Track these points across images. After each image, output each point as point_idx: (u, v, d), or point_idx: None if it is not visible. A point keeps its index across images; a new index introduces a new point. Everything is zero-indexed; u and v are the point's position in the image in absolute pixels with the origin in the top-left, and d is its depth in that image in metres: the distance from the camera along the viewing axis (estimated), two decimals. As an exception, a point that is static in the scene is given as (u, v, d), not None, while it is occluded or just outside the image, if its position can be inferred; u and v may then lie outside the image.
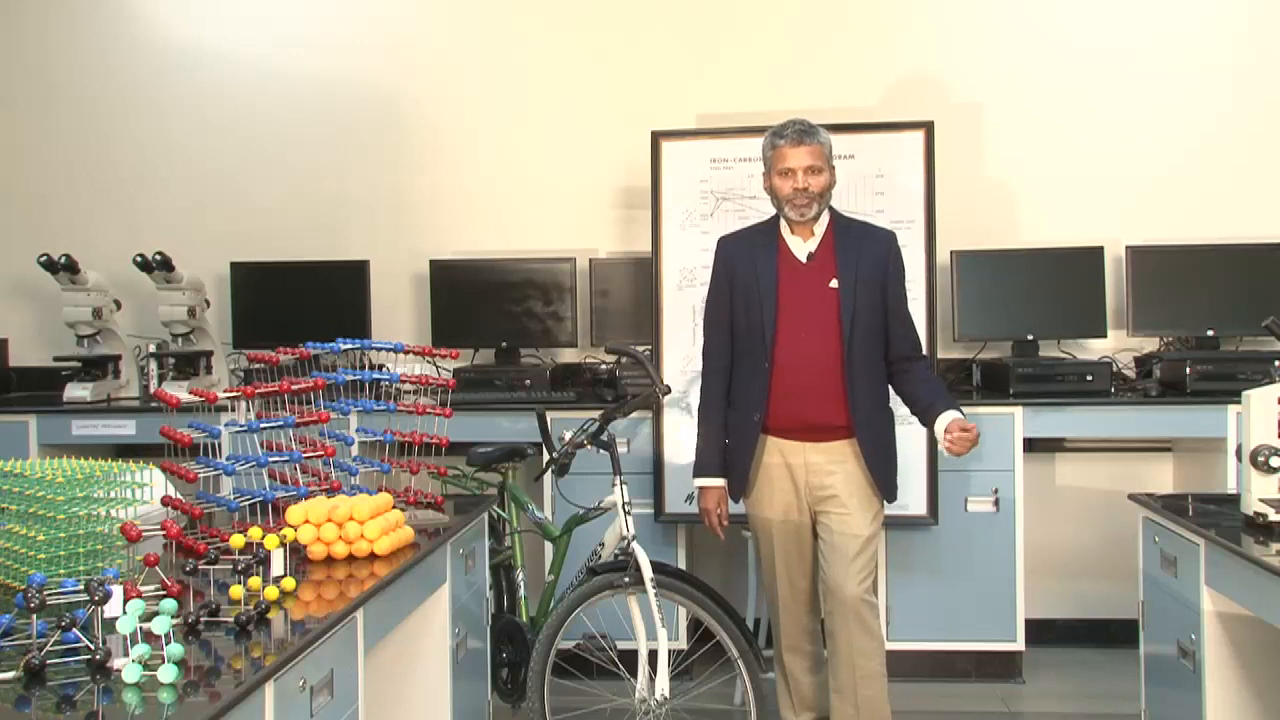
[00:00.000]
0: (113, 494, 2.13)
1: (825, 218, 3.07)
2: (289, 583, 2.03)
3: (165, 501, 2.44)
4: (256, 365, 3.16)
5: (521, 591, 3.46)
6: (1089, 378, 3.97)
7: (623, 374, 4.07)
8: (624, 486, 3.11)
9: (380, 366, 4.19)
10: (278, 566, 2.07)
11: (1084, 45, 4.42)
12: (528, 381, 4.14)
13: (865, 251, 3.04)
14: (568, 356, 4.52)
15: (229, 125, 4.70)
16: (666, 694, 2.93)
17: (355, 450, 2.88)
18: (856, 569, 2.91)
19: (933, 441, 3.48)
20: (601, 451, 3.17)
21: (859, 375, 2.98)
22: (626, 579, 3.02)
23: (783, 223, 3.08)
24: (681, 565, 3.91)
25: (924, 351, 3.18)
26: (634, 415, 3.84)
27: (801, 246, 3.06)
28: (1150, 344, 4.29)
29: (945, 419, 2.94)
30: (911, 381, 3.06)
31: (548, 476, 3.72)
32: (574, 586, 3.16)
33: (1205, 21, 4.39)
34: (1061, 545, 4.41)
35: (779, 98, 4.39)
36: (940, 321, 4.01)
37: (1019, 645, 3.94)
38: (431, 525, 2.65)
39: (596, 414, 3.26)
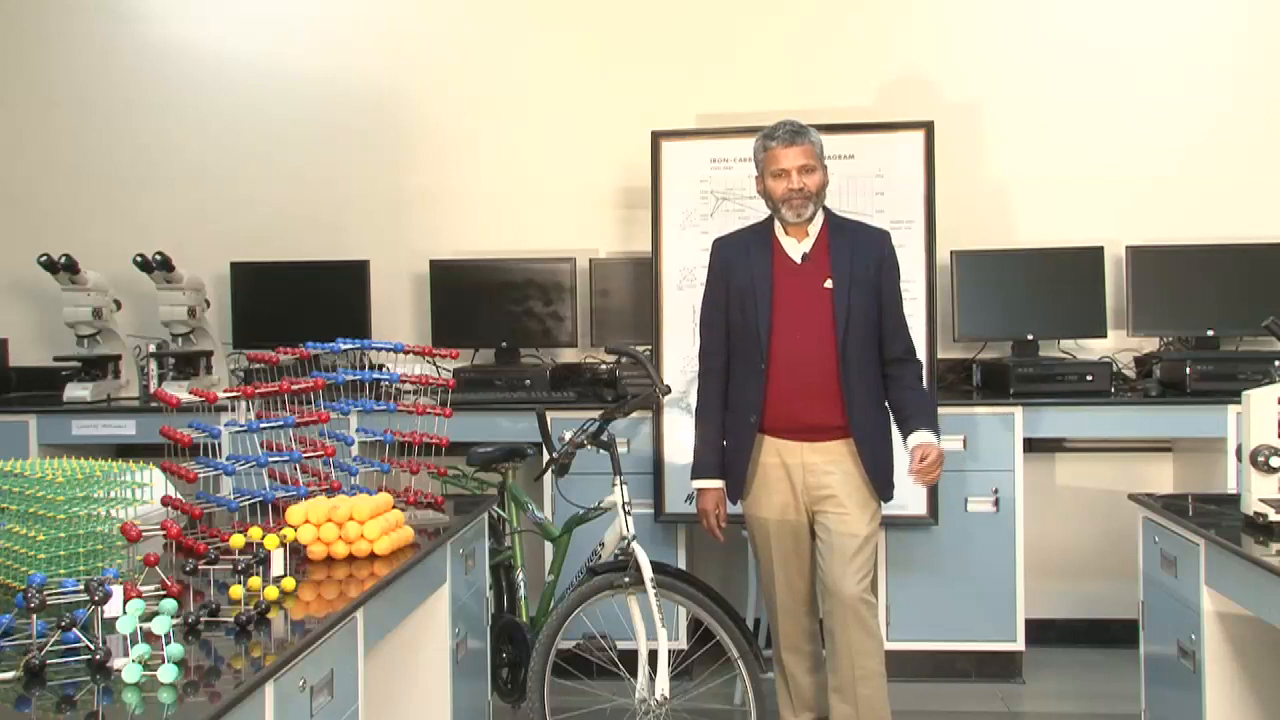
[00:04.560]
0: (113, 494, 2.13)
1: (819, 218, 3.06)
2: (289, 583, 2.03)
3: (165, 501, 2.44)
4: (256, 365, 3.16)
5: (521, 591, 3.46)
6: (1089, 378, 3.97)
7: (623, 374, 4.07)
8: (624, 486, 3.11)
9: (380, 366, 4.19)
10: (278, 566, 2.07)
11: (1083, 45, 4.42)
12: (528, 381, 4.14)
13: (859, 251, 3.04)
14: (568, 356, 4.52)
15: (229, 125, 4.71)
16: (666, 694, 2.93)
17: (355, 450, 2.88)
18: (855, 568, 2.91)
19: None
20: (601, 451, 3.17)
21: (855, 375, 2.98)
22: (626, 579, 3.02)
23: (777, 224, 3.08)
24: (681, 565, 3.91)
25: (918, 353, 3.16)
26: (634, 415, 3.84)
27: (796, 247, 3.05)
28: (1150, 344, 4.29)
29: (913, 440, 2.98)
30: (898, 389, 3.06)
31: (548, 476, 3.72)
32: (574, 586, 3.16)
33: (1205, 21, 4.39)
34: (1061, 545, 4.41)
35: (779, 98, 4.39)
36: (940, 321, 4.00)
37: (1019, 645, 3.94)
38: (431, 525, 2.65)
39: (596, 414, 3.26)
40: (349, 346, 2.92)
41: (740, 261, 3.08)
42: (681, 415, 3.89)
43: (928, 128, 3.88)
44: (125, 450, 4.36)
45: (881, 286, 3.04)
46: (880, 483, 3.00)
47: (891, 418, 3.08)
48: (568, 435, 3.23)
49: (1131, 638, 3.06)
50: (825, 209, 3.09)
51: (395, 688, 2.66)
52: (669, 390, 3.50)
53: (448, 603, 2.66)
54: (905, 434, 3.01)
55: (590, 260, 4.40)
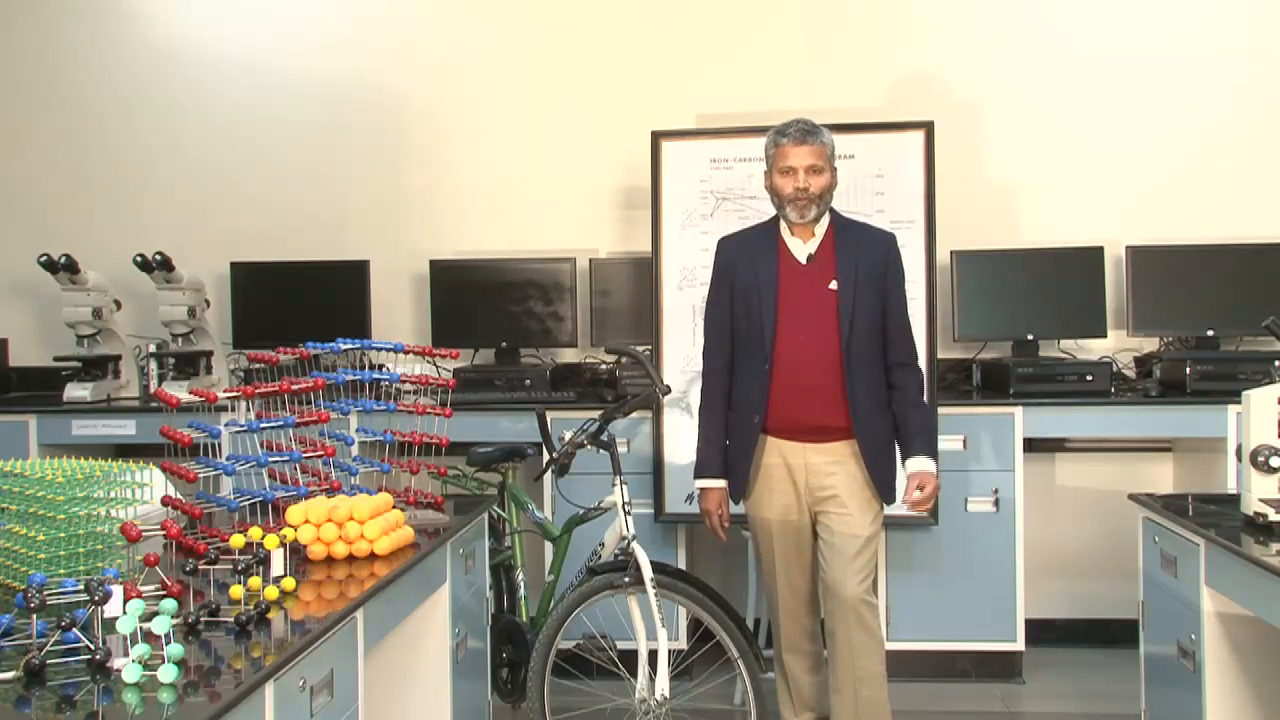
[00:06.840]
0: (113, 494, 2.13)
1: (825, 219, 3.06)
2: (289, 583, 2.03)
3: (165, 501, 2.44)
4: (256, 365, 3.16)
5: (521, 591, 3.46)
6: (1089, 378, 3.97)
7: (623, 374, 4.07)
8: (624, 486, 3.11)
9: (380, 366, 4.19)
10: (278, 566, 2.07)
11: (1084, 45, 4.42)
12: (528, 381, 4.14)
13: (865, 253, 3.03)
14: (568, 356, 4.52)
15: (229, 125, 4.71)
16: (666, 694, 2.93)
17: (355, 450, 2.88)
18: (856, 569, 2.91)
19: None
20: (601, 451, 3.17)
21: (858, 376, 2.98)
22: (626, 579, 3.02)
23: (783, 224, 3.08)
24: (681, 565, 3.91)
25: (920, 359, 3.15)
26: (634, 415, 3.84)
27: (801, 248, 3.05)
28: (1150, 344, 4.29)
29: (911, 465, 3.00)
30: (901, 402, 3.05)
31: (548, 476, 3.72)
32: (574, 586, 3.16)
33: (1206, 22, 4.39)
34: (1061, 545, 4.41)
35: (779, 98, 4.39)
36: (940, 321, 4.00)
37: (1019, 645, 3.94)
38: (431, 525, 2.65)
39: (596, 414, 3.26)
40: (349, 346, 2.93)
41: (745, 261, 3.08)
42: (681, 415, 3.89)
43: (928, 128, 3.88)
44: (125, 450, 4.36)
45: (887, 289, 3.04)
46: (883, 484, 3.00)
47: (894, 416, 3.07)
48: (568, 435, 3.23)
49: (1131, 638, 3.06)
50: (831, 210, 3.08)
51: (395, 688, 2.66)
52: (669, 390, 3.50)
53: (448, 603, 2.66)
54: (904, 454, 3.03)
55: (590, 260, 4.40)
